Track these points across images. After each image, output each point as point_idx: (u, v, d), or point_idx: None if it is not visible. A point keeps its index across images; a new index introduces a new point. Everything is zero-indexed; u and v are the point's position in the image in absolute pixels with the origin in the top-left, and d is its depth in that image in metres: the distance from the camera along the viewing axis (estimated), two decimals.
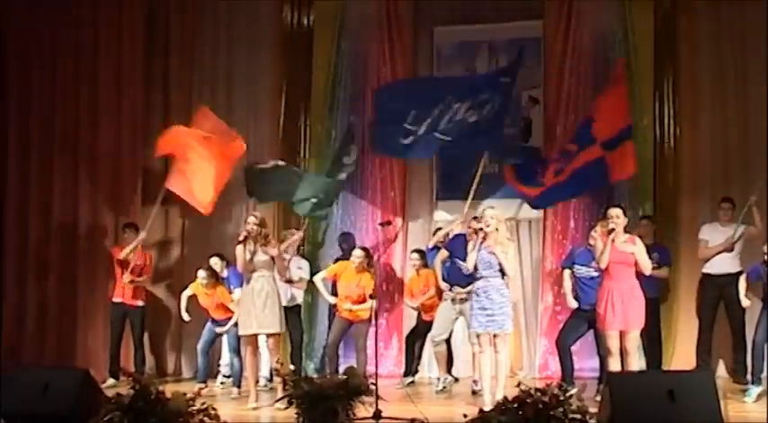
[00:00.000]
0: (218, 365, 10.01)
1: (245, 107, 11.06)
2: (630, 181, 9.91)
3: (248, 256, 8.22)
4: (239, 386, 9.12)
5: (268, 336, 8.36)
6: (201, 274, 9.28)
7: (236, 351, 9.15)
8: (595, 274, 8.12)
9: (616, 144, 9.36)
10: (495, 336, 7.70)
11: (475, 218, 8.79)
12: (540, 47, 10.59)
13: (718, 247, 9.01)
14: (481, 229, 7.77)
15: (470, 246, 7.85)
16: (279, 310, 8.24)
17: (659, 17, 10.12)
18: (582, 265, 8.41)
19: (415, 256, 9.70)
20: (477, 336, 7.85)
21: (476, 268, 7.76)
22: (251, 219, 8.35)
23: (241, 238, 8.28)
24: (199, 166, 9.87)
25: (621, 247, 7.61)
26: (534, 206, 10.06)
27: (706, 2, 10.04)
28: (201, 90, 11.12)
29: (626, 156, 9.38)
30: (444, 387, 9.14)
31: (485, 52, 10.73)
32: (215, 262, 9.56)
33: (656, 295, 9.08)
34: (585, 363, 9.07)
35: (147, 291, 10.41)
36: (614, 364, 7.53)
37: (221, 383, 9.76)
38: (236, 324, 8.79)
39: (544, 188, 9.74)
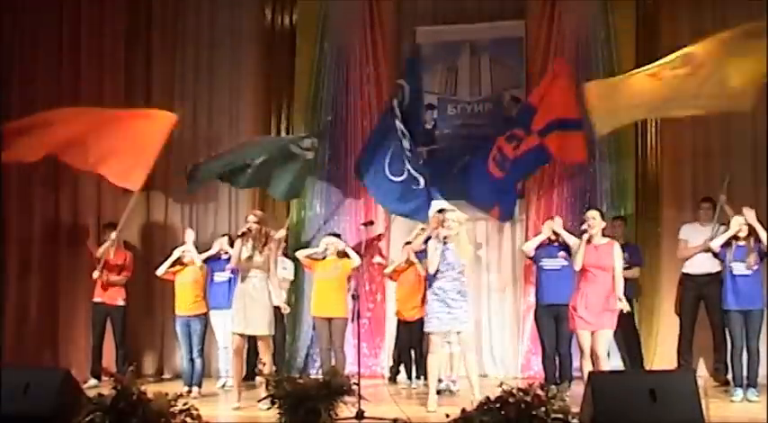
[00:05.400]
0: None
1: (227, 105, 11.05)
2: (612, 180, 10.01)
3: (245, 254, 8.13)
4: (200, 385, 9.13)
5: (257, 337, 8.26)
6: (189, 232, 9.44)
7: (201, 351, 9.20)
8: (559, 267, 8.11)
9: (552, 130, 9.41)
10: (458, 333, 7.79)
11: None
12: (523, 47, 10.63)
13: (697, 248, 9.01)
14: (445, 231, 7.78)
15: (431, 247, 7.82)
16: (269, 312, 8.15)
17: (641, 17, 10.18)
18: (549, 258, 8.38)
19: (408, 247, 9.63)
20: (429, 334, 7.84)
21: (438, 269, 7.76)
22: (251, 217, 8.25)
23: (239, 233, 8.20)
24: (122, 144, 9.41)
25: (600, 249, 7.66)
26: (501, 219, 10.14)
27: (688, 2, 10.10)
28: (183, 89, 11.12)
29: (576, 144, 9.43)
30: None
31: (467, 52, 10.74)
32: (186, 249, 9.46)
33: (629, 295, 9.08)
34: None
35: (128, 290, 10.30)
36: (587, 365, 7.55)
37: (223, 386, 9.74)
38: (205, 323, 9.17)
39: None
